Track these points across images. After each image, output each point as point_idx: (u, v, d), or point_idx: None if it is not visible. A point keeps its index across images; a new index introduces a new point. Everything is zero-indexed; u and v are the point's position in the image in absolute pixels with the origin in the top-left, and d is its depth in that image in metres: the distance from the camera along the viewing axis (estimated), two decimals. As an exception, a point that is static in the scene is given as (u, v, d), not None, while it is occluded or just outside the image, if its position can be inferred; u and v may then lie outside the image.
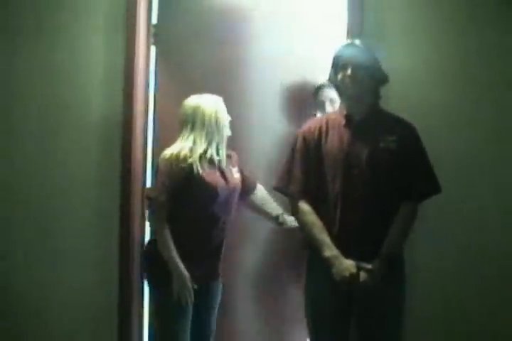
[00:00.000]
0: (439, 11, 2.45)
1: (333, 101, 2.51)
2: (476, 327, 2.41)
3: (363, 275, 2.01)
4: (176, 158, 2.25)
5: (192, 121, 2.31)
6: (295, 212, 2.18)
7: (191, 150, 2.27)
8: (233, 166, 2.41)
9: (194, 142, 2.29)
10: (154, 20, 2.68)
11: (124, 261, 2.57)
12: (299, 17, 2.67)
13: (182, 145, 2.29)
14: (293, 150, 2.20)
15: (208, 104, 2.33)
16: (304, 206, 2.14)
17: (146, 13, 2.64)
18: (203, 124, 2.30)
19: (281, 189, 2.21)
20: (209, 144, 2.31)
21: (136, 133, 2.62)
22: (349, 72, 2.06)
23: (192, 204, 2.29)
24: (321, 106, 2.54)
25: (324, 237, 2.07)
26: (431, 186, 2.12)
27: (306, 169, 2.15)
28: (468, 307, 2.42)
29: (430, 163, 2.12)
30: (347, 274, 2.01)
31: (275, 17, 2.67)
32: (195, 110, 2.32)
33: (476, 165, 2.41)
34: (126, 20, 2.56)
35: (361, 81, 2.07)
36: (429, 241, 2.35)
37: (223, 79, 2.65)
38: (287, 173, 2.19)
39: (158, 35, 2.69)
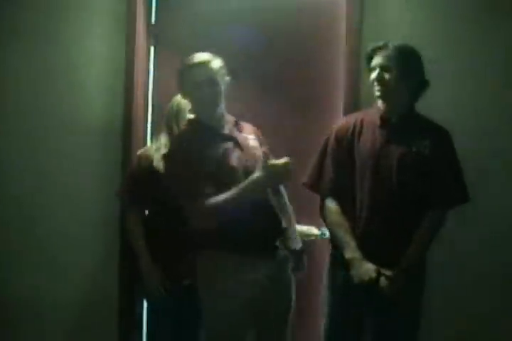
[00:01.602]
0: (439, 11, 2.44)
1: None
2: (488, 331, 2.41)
3: (382, 281, 1.99)
4: (140, 158, 2.33)
5: (162, 120, 2.36)
6: (323, 210, 2.15)
7: (156, 149, 2.29)
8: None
9: (160, 142, 2.31)
10: (153, 21, 2.69)
11: (124, 263, 2.57)
12: (299, 17, 2.66)
13: (151, 146, 2.37)
14: (325, 147, 2.16)
15: (175, 104, 2.32)
16: (332, 205, 2.12)
17: (145, 13, 2.65)
18: (166, 124, 2.33)
19: (311, 186, 2.18)
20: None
21: (137, 133, 2.63)
22: (376, 74, 2.04)
23: (159, 202, 2.28)
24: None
25: (349, 238, 2.05)
26: (458, 194, 2.06)
27: (337, 167, 2.11)
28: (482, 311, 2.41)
29: (461, 171, 2.07)
30: (366, 278, 1.98)
31: (274, 17, 2.65)
32: (167, 110, 2.35)
33: (489, 168, 2.40)
34: (126, 20, 2.57)
35: (387, 84, 2.03)
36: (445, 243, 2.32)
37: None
38: (318, 170, 2.15)
39: (157, 35, 2.70)
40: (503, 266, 2.41)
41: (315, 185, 2.16)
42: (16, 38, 2.62)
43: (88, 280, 2.63)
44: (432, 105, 2.31)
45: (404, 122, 2.08)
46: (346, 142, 2.11)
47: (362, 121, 2.13)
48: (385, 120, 2.09)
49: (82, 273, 2.64)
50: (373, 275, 1.98)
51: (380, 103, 2.11)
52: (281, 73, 2.67)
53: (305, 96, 2.65)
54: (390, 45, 2.05)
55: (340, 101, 2.50)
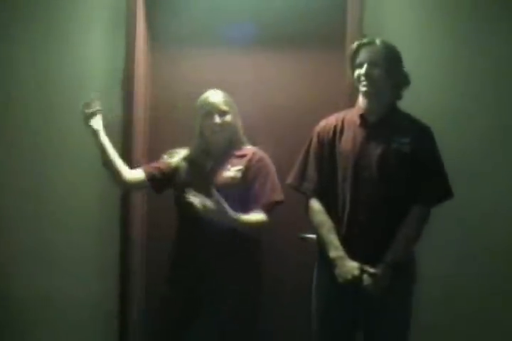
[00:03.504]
0: (439, 11, 2.46)
1: None
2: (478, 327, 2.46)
3: (366, 279, 2.00)
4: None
5: None
6: (307, 210, 2.17)
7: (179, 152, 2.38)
8: (233, 165, 2.27)
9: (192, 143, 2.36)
10: (152, 21, 2.68)
11: (124, 262, 2.58)
12: (299, 17, 2.66)
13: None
14: (308, 147, 2.19)
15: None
16: (315, 205, 2.13)
17: (145, 11, 2.64)
18: (194, 125, 2.34)
19: (295, 186, 2.20)
20: (198, 146, 2.32)
21: (137, 134, 2.62)
22: (363, 70, 2.05)
23: (176, 204, 2.33)
24: None
25: (332, 237, 2.06)
26: (442, 191, 2.08)
27: (319, 167, 2.13)
28: (470, 307, 2.46)
29: (444, 167, 2.08)
30: (349, 276, 1.99)
31: (273, 17, 2.66)
32: None
33: (482, 168, 2.44)
34: (126, 19, 2.56)
35: (376, 79, 2.04)
36: (432, 242, 2.35)
37: (221, 80, 2.66)
38: (301, 171, 2.18)
39: (157, 33, 2.70)
40: (491, 266, 2.45)
41: (299, 185, 2.18)
42: (15, 39, 2.60)
43: (88, 280, 2.63)
44: (429, 105, 2.32)
45: (384, 121, 2.09)
46: (328, 142, 2.13)
47: (343, 121, 2.15)
48: (364, 118, 2.11)
49: (82, 273, 2.63)
50: (356, 273, 1.99)
51: (361, 102, 2.12)
52: (281, 72, 2.69)
53: (305, 96, 2.66)
54: (377, 42, 2.06)
55: (340, 101, 2.51)
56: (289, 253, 2.59)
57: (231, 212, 2.08)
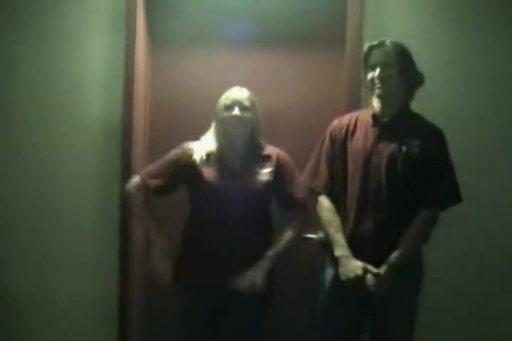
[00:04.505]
0: (439, 12, 2.46)
1: None
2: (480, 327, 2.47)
3: (369, 278, 2.00)
4: (182, 156, 2.24)
5: None
6: (317, 207, 2.17)
7: (199, 148, 2.22)
8: (261, 167, 2.20)
9: (210, 139, 2.24)
10: (152, 21, 2.69)
11: (124, 263, 2.57)
12: (299, 17, 2.66)
13: (199, 143, 2.25)
14: (321, 146, 2.20)
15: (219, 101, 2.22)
16: (325, 202, 2.14)
17: (145, 11, 2.65)
18: (214, 119, 2.24)
19: (308, 186, 2.20)
20: (220, 142, 2.21)
21: (136, 135, 2.62)
22: (377, 73, 2.05)
23: (194, 203, 2.26)
24: None
25: (338, 236, 2.07)
26: (450, 195, 2.07)
27: (331, 166, 2.14)
28: (473, 307, 2.47)
29: (454, 171, 2.07)
30: (352, 276, 2.00)
31: (274, 17, 2.66)
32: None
33: (483, 168, 2.45)
34: (126, 21, 2.55)
35: (390, 81, 2.04)
36: (440, 242, 2.34)
37: (221, 80, 2.65)
38: (313, 169, 2.19)
39: (157, 33, 2.70)
40: (494, 266, 2.46)
41: (310, 183, 2.19)
42: (15, 39, 2.60)
43: (87, 280, 2.63)
44: (428, 106, 2.32)
45: (396, 121, 2.09)
46: (339, 141, 2.14)
47: (356, 120, 2.15)
48: (377, 119, 2.11)
49: (82, 273, 2.63)
50: (359, 272, 1.99)
51: (374, 102, 2.12)
52: (281, 73, 2.69)
53: (305, 96, 2.66)
54: (387, 43, 2.06)
55: (341, 101, 2.51)
56: (289, 254, 2.59)
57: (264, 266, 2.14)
